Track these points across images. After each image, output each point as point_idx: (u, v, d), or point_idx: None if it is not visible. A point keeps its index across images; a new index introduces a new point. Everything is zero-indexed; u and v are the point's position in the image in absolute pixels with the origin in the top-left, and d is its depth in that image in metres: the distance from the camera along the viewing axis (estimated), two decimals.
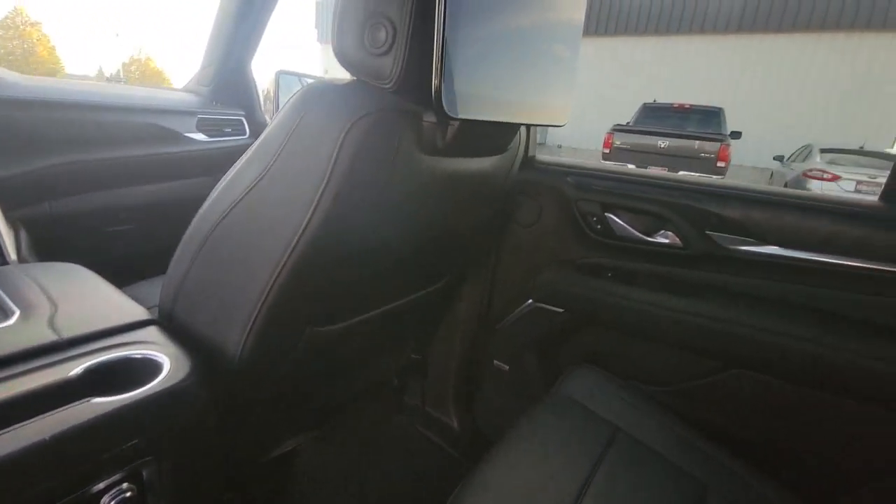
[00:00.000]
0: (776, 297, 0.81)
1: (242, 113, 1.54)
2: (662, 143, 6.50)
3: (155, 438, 0.47)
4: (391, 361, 1.07)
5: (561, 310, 0.99)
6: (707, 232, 0.84)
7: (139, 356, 0.53)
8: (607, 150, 6.94)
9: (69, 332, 0.51)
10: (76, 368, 0.47)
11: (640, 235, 0.90)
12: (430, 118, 0.55)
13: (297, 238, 0.53)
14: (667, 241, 0.88)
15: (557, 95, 0.69)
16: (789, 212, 0.79)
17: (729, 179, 0.94)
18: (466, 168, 0.66)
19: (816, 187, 6.36)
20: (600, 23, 12.03)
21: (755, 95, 10.75)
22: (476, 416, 1.19)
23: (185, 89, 1.54)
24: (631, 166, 6.71)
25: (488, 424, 1.18)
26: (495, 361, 1.12)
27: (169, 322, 0.64)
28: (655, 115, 7.57)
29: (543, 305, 1.01)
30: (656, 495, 0.65)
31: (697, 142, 6.34)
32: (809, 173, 6.56)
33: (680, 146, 6.40)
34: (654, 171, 0.85)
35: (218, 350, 0.60)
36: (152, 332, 0.58)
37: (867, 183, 6.14)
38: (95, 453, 0.42)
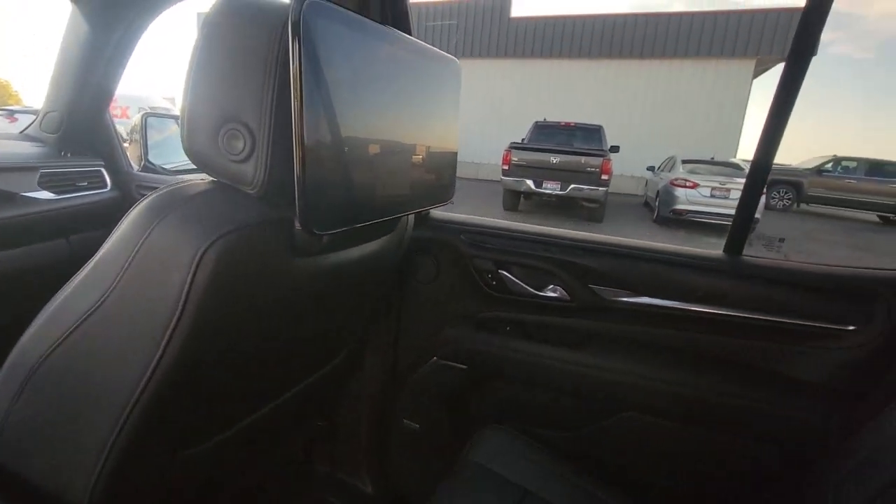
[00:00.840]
0: (653, 342, 0.89)
1: (101, 163, 1.34)
2: (554, 159, 7.01)
3: None
4: (294, 439, 0.99)
5: (464, 366, 0.99)
6: (590, 285, 0.90)
7: None
8: (506, 167, 7.30)
9: None
10: None
11: (532, 290, 0.93)
12: None
13: (150, 370, 0.46)
14: (556, 294, 0.92)
15: (440, 175, 0.68)
16: (652, 265, 0.87)
17: (602, 235, 1.02)
18: (351, 257, 0.63)
19: (682, 194, 7.33)
20: (491, 46, 12.84)
21: (628, 113, 12.20)
22: (390, 478, 1.15)
23: (24, 136, 1.30)
24: (524, 189, 7.13)
25: (403, 485, 1.14)
26: (405, 420, 1.09)
27: None
28: (546, 133, 8.16)
29: (447, 362, 1.00)
30: None
31: (584, 157, 6.94)
32: (675, 182, 7.53)
33: (569, 161, 6.96)
34: (541, 227, 0.94)
35: (57, 501, 0.50)
36: None
37: (719, 189, 7.19)
38: None
